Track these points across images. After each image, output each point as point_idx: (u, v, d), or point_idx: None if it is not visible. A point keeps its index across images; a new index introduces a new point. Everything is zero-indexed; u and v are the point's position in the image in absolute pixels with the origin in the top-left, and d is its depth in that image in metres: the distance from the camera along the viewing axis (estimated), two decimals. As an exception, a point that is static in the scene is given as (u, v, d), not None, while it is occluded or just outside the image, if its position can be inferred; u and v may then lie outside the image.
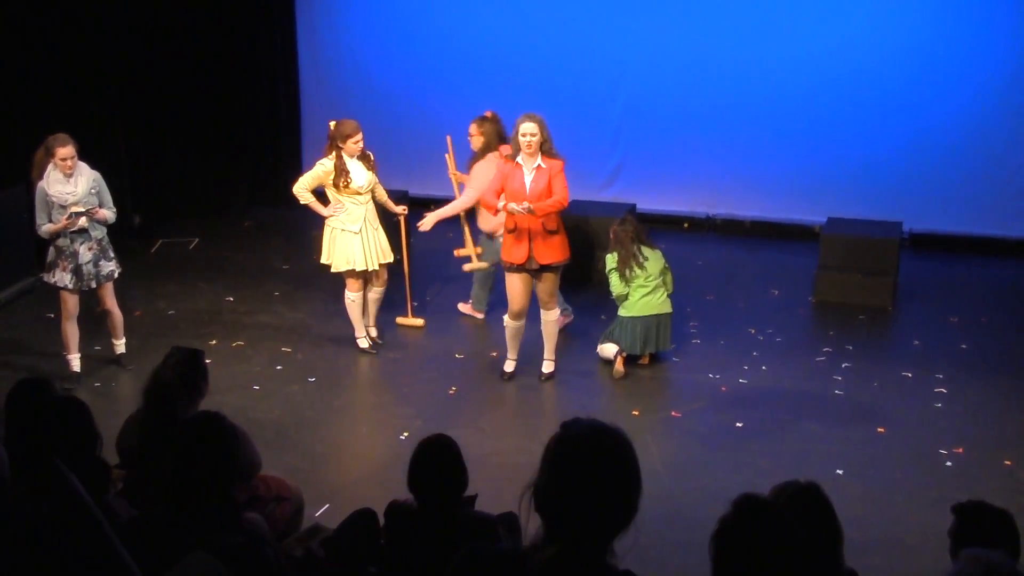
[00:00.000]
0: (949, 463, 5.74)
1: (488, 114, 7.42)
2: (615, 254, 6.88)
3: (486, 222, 7.28)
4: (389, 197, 7.26)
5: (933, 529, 4.75)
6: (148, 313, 7.95)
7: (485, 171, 6.99)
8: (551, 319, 6.71)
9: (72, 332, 6.73)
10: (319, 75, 11.25)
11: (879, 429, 6.13)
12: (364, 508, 3.66)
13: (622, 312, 6.90)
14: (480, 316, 7.90)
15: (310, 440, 6.04)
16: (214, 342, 7.43)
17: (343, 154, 6.86)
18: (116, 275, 6.74)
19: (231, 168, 11.13)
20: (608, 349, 6.93)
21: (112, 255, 6.70)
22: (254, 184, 11.35)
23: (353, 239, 6.97)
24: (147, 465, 4.03)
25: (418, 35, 10.76)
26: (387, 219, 7.38)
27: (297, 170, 11.50)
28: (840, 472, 5.57)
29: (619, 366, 6.84)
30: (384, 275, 7.23)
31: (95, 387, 6.71)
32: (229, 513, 3.07)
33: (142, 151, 10.15)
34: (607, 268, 6.92)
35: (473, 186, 7.19)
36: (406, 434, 6.01)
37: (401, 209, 7.22)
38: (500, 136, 7.22)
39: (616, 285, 6.87)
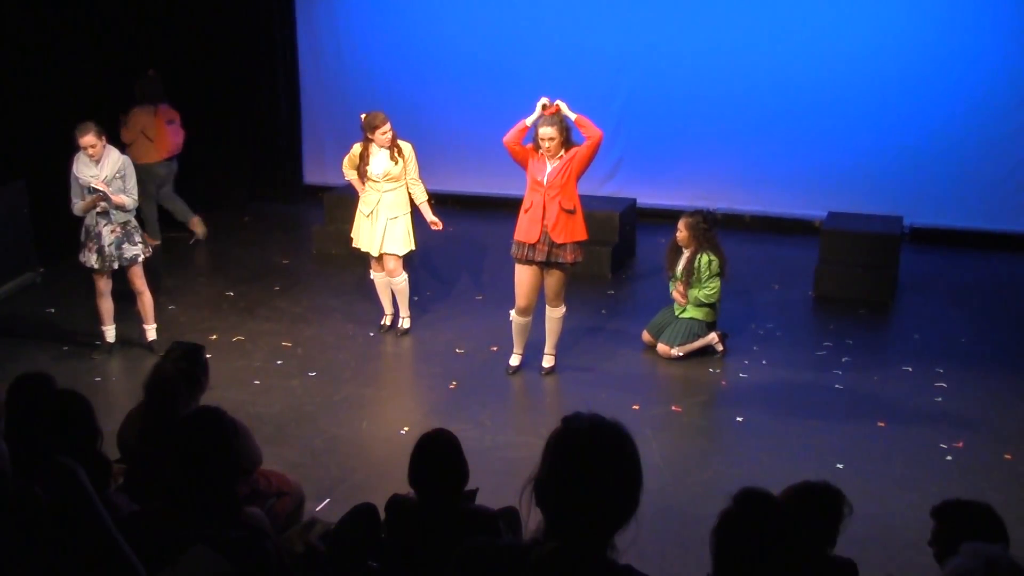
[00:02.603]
0: (949, 457, 5.74)
1: (150, 72, 9.16)
2: (715, 258, 6.95)
3: (140, 157, 8.86)
4: (429, 201, 7.35)
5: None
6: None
7: (135, 119, 9.09)
8: (556, 316, 6.70)
9: (105, 307, 7.04)
10: (319, 70, 11.24)
11: (879, 423, 6.13)
12: (365, 503, 3.66)
13: (706, 315, 7.06)
14: (156, 243, 9.15)
15: (310, 435, 6.04)
16: (214, 337, 7.43)
17: (371, 144, 7.12)
18: (140, 259, 6.88)
19: (231, 163, 11.12)
20: (707, 339, 7.07)
21: (138, 240, 6.87)
22: (254, 179, 11.34)
23: (363, 221, 7.29)
24: (148, 460, 4.04)
25: (418, 31, 10.75)
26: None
27: (297, 165, 11.54)
28: (840, 466, 5.57)
29: (723, 346, 7.11)
30: (392, 265, 7.30)
31: (96, 382, 6.71)
32: (230, 508, 3.07)
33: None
34: (709, 273, 6.94)
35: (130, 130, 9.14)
36: (406, 429, 6.02)
37: (432, 220, 7.27)
38: (155, 95, 9.12)
39: (718, 291, 7.02)
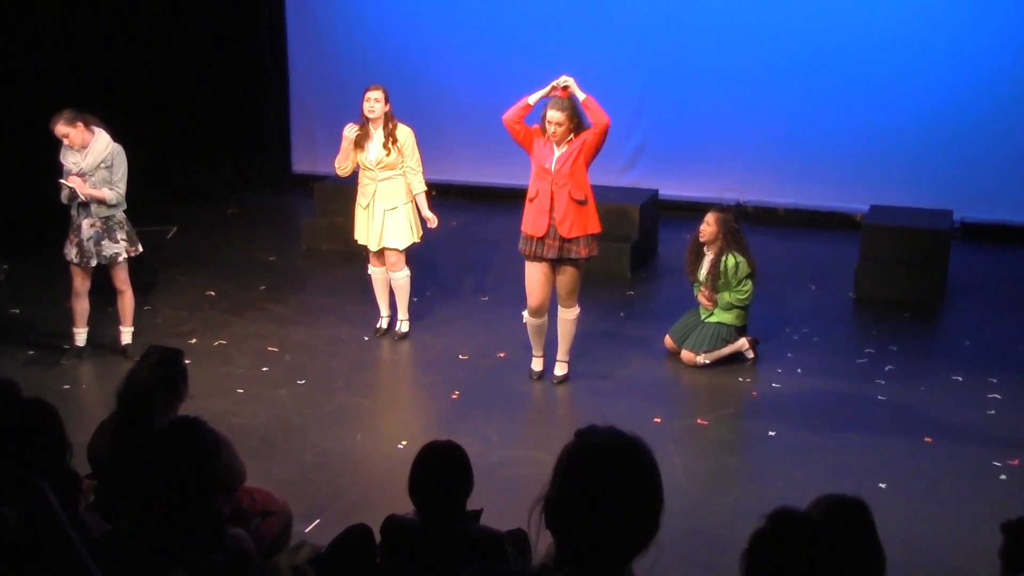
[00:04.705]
0: (1003, 476, 5.73)
1: None
2: (743, 258, 6.97)
3: None
4: (426, 195, 7.34)
5: (985, 549, 4.73)
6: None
7: None
8: (570, 318, 6.70)
9: (80, 307, 7.09)
10: (309, 47, 11.26)
11: (926, 439, 6.12)
12: (358, 524, 3.67)
13: (737, 319, 7.08)
14: None
15: (299, 449, 6.05)
16: (194, 341, 7.46)
17: (369, 124, 7.14)
18: (122, 258, 6.93)
19: (213, 150, 11.15)
20: (736, 345, 7.08)
21: (120, 237, 6.91)
22: (238, 167, 11.37)
23: (361, 213, 7.32)
24: (121, 475, 4.05)
25: (420, 5, 10.75)
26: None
27: (286, 151, 11.56)
28: (883, 486, 5.56)
29: (754, 352, 7.12)
30: (393, 259, 7.34)
31: (64, 389, 6.74)
32: (211, 528, 3.09)
33: (115, 131, 10.18)
34: (739, 274, 6.96)
35: None
36: (404, 443, 6.03)
37: (430, 217, 7.30)
38: None
39: (752, 292, 7.05)
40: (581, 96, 6.30)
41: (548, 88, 6.34)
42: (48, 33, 9.55)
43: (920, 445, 6.06)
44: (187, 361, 4.57)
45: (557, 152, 6.31)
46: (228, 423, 5.99)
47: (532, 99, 6.38)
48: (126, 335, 7.20)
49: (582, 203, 6.37)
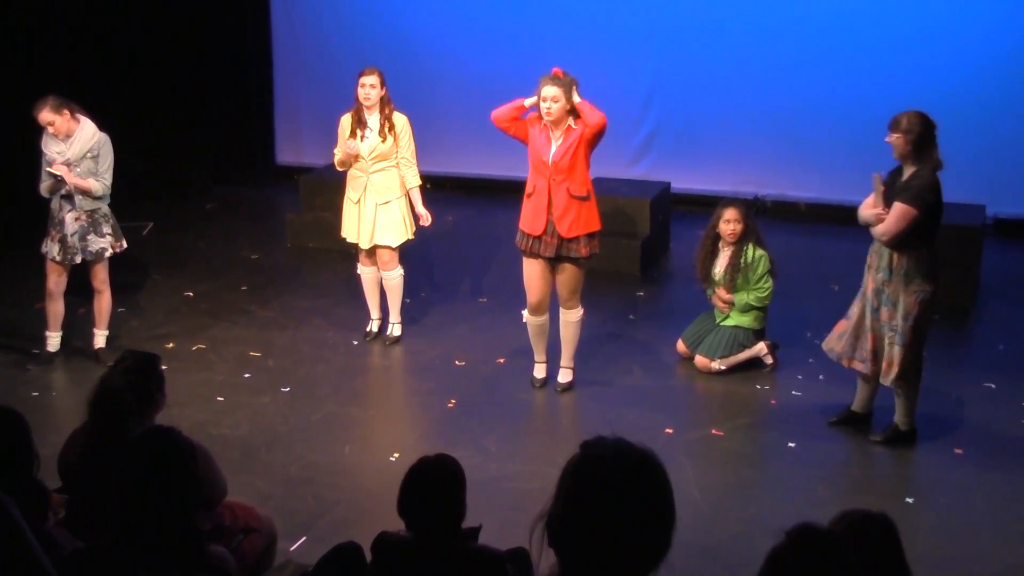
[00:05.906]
0: (1040, 491, 5.74)
1: None
2: (764, 253, 7.01)
3: None
4: (421, 190, 7.36)
5: (1019, 568, 4.75)
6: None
7: None
8: (572, 320, 6.71)
9: (53, 310, 7.11)
10: (294, 28, 11.26)
11: (956, 450, 6.12)
12: (347, 542, 3.67)
13: (754, 321, 7.10)
14: None
15: (284, 461, 6.06)
16: (171, 345, 7.47)
17: (363, 111, 7.13)
18: (107, 254, 6.98)
19: (191, 140, 11.15)
20: (754, 350, 7.10)
21: (106, 231, 6.96)
22: (218, 159, 11.38)
23: (351, 208, 7.31)
24: (93, 489, 4.06)
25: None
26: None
27: (269, 142, 11.55)
28: (910, 501, 5.57)
29: (773, 358, 7.12)
30: (386, 258, 7.35)
31: (33, 396, 6.75)
32: (190, 546, 3.09)
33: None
34: (761, 270, 7.00)
35: None
36: (396, 455, 6.04)
37: (423, 214, 7.33)
38: None
39: (771, 291, 7.08)
40: (576, 99, 6.25)
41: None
42: (19, 20, 9.57)
43: (950, 457, 6.07)
44: (163, 367, 4.59)
45: (555, 144, 6.31)
46: (208, 433, 6.00)
47: (528, 102, 6.36)
48: (100, 338, 7.22)
49: (583, 199, 6.37)
